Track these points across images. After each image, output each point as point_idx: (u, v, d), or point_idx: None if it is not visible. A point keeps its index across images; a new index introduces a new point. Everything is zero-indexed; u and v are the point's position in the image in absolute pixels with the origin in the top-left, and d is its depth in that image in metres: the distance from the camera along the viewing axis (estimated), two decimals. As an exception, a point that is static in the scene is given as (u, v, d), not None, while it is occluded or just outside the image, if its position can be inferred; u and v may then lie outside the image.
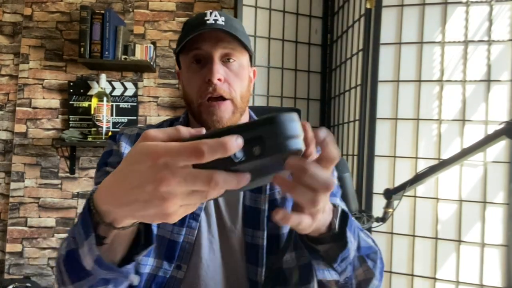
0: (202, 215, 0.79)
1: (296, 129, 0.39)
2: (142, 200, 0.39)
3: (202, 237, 0.78)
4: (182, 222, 0.77)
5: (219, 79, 0.76)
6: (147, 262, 0.76)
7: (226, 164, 0.38)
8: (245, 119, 0.88)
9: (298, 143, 0.39)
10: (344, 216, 0.58)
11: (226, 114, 0.78)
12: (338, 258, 0.58)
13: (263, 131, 0.38)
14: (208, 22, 0.77)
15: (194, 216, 0.78)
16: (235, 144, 0.36)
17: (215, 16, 0.78)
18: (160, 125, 0.90)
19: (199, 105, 0.78)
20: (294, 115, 0.40)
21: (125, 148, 0.81)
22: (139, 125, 0.91)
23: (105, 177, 0.73)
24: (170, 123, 0.89)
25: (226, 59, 0.78)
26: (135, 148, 0.40)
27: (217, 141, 0.36)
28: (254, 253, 0.78)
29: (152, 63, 2.30)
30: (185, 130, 0.40)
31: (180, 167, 0.37)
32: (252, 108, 0.96)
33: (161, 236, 0.77)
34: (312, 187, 0.44)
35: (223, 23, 0.77)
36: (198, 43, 0.77)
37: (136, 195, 0.39)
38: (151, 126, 0.89)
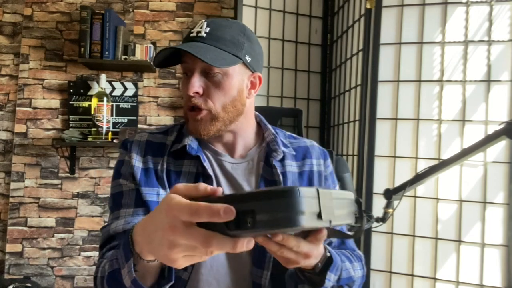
0: None
1: (290, 206, 0.40)
2: (156, 242, 0.46)
3: None
4: None
5: (196, 92, 0.79)
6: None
7: (224, 229, 0.41)
8: (249, 126, 0.89)
9: (290, 221, 0.40)
10: (329, 260, 0.71)
11: (203, 123, 0.81)
12: None
13: (256, 205, 0.40)
14: (191, 35, 0.80)
15: None
16: (223, 214, 0.40)
17: (201, 27, 0.80)
18: (171, 128, 0.91)
19: (185, 114, 0.84)
20: (292, 191, 0.40)
21: (135, 160, 0.83)
22: (151, 128, 0.97)
23: (118, 189, 0.82)
24: (180, 126, 0.91)
25: (208, 72, 0.80)
26: (164, 198, 0.46)
27: (212, 207, 0.40)
28: (261, 256, 0.79)
29: (152, 63, 2.30)
30: (202, 188, 0.46)
31: (184, 222, 0.42)
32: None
33: None
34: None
35: (204, 35, 0.79)
36: (185, 56, 0.81)
37: (153, 237, 0.47)
38: (162, 128, 0.91)
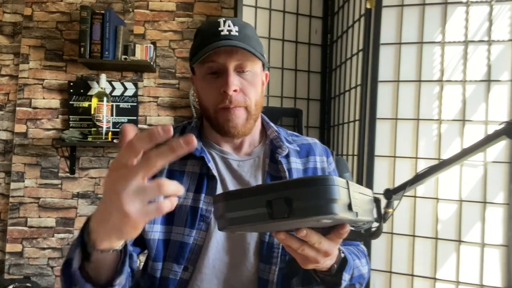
0: (212, 217, 0.79)
1: (326, 193, 0.40)
2: (107, 205, 0.46)
3: (212, 238, 0.79)
4: (192, 224, 0.79)
5: (235, 90, 0.79)
6: (158, 266, 0.78)
7: (265, 218, 0.41)
8: (257, 124, 0.90)
9: (326, 209, 0.40)
10: (343, 260, 0.72)
11: (241, 120, 0.82)
12: None
13: (292, 193, 0.40)
14: (222, 33, 0.79)
15: (204, 218, 0.79)
16: (162, 131, 0.43)
17: (229, 26, 0.80)
18: (174, 129, 0.90)
19: (215, 112, 0.82)
20: (328, 179, 0.40)
21: None
22: None
23: None
24: (183, 128, 0.92)
25: (240, 70, 0.81)
26: None
27: (149, 130, 0.43)
28: (269, 252, 0.80)
29: (152, 63, 2.30)
30: (154, 131, 0.45)
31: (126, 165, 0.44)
32: None
33: (173, 241, 0.79)
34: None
35: (237, 34, 0.80)
36: (213, 56, 0.79)
37: (104, 206, 0.47)
38: None
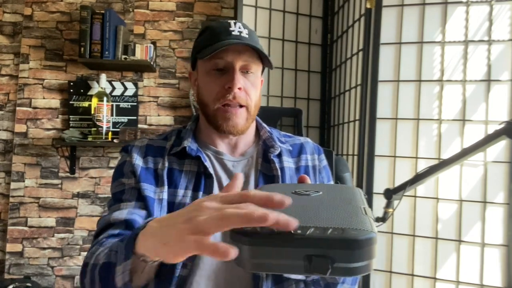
0: None
1: (370, 254, 0.39)
2: (173, 221, 0.47)
3: None
4: None
5: (239, 88, 0.82)
6: None
7: (300, 270, 0.40)
8: (252, 125, 0.92)
9: (368, 269, 0.39)
10: None
11: (241, 120, 0.84)
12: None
13: (336, 253, 0.38)
14: (233, 33, 0.82)
15: None
16: (277, 202, 0.42)
17: (239, 28, 0.83)
18: (169, 133, 0.93)
19: (215, 109, 0.84)
20: (373, 240, 0.39)
21: (136, 159, 0.85)
22: (148, 136, 0.98)
23: (120, 188, 0.83)
24: (178, 132, 0.92)
25: (244, 70, 0.84)
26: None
27: (263, 195, 0.43)
28: None
29: (152, 63, 2.30)
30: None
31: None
32: None
33: None
34: None
35: (247, 36, 0.83)
36: (221, 53, 0.81)
37: (172, 219, 0.48)
38: (161, 135, 0.93)
